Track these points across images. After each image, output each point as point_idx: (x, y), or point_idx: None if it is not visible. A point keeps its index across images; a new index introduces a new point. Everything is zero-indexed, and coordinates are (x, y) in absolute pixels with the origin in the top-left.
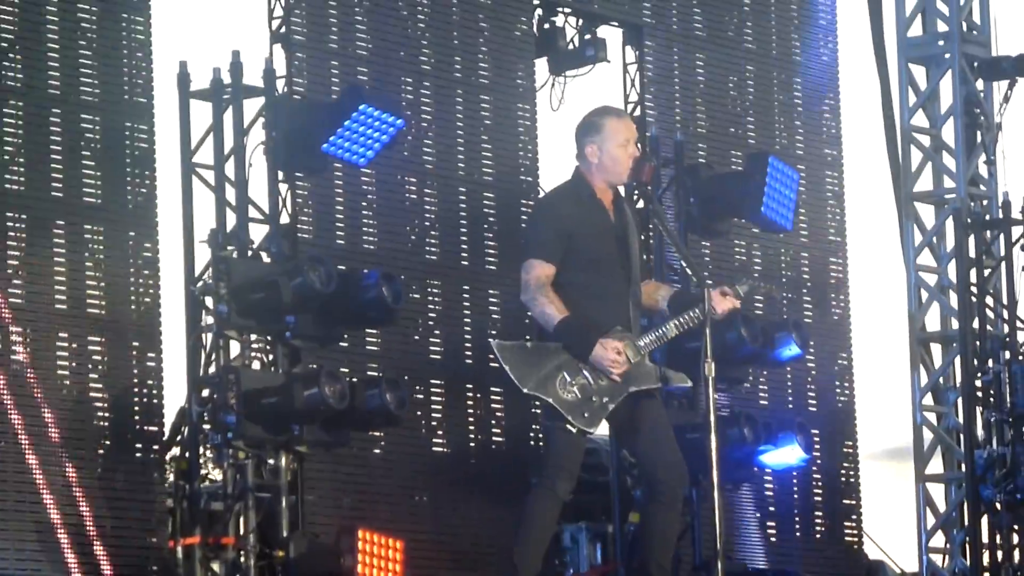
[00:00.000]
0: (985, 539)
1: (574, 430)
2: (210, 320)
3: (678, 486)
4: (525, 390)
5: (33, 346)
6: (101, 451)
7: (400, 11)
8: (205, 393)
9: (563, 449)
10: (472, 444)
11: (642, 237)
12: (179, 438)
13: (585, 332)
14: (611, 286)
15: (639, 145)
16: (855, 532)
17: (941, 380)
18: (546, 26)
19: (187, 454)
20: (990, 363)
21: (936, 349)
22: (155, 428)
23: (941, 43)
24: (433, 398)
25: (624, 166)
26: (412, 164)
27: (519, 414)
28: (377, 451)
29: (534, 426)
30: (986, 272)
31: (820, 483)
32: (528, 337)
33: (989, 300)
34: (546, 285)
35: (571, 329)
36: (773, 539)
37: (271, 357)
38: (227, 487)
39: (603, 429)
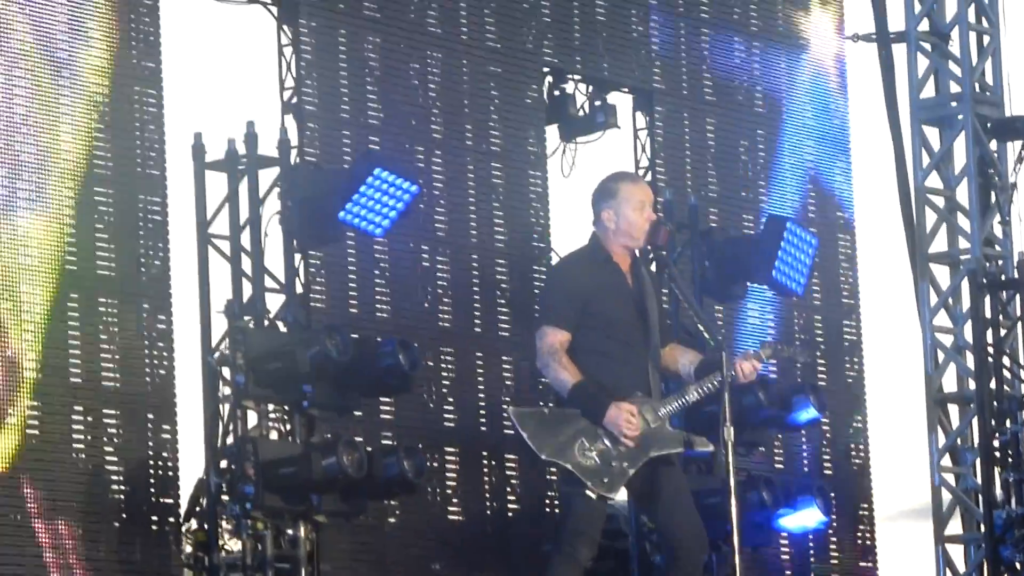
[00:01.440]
0: None
1: (594, 496)
2: (227, 390)
3: (698, 552)
4: (543, 456)
5: (48, 419)
6: (117, 524)
7: (411, 80)
8: (223, 464)
9: (583, 515)
10: (488, 512)
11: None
12: (197, 509)
13: (598, 396)
14: (630, 351)
15: (656, 208)
16: None
17: (959, 441)
18: (556, 93)
19: (206, 525)
20: (1007, 423)
21: (953, 410)
22: (171, 500)
23: (954, 104)
24: (448, 466)
25: (641, 230)
26: (424, 232)
27: (534, 481)
28: (392, 520)
29: (549, 493)
30: (1002, 332)
31: (837, 546)
32: (544, 403)
33: (1006, 360)
34: (560, 351)
35: (585, 393)
36: None
37: (288, 427)
38: (246, 558)
39: (621, 494)
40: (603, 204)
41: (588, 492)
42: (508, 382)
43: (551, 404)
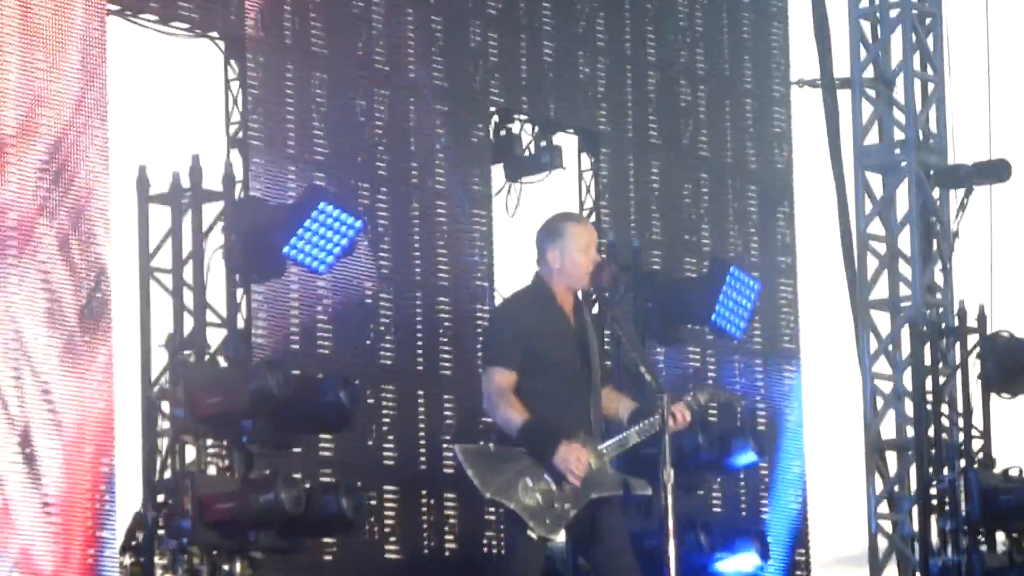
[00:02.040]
0: None
1: (535, 536)
2: (166, 425)
3: None
4: (487, 495)
5: None
6: (53, 557)
7: (358, 116)
8: (161, 498)
9: (524, 556)
10: (425, 551)
11: (603, 343)
12: (133, 543)
13: (548, 434)
14: (572, 392)
15: (600, 250)
16: None
17: (896, 488)
18: (502, 133)
19: (142, 559)
20: (945, 471)
21: (891, 456)
22: (108, 533)
23: (898, 151)
24: (387, 504)
25: (585, 271)
26: (368, 269)
27: (473, 521)
28: (329, 557)
29: (488, 533)
30: (941, 380)
31: None
32: (487, 442)
33: (944, 408)
34: (507, 391)
35: (534, 432)
36: None
37: (227, 462)
38: None
39: (560, 535)
40: (548, 244)
41: (529, 532)
42: (449, 420)
43: (493, 443)
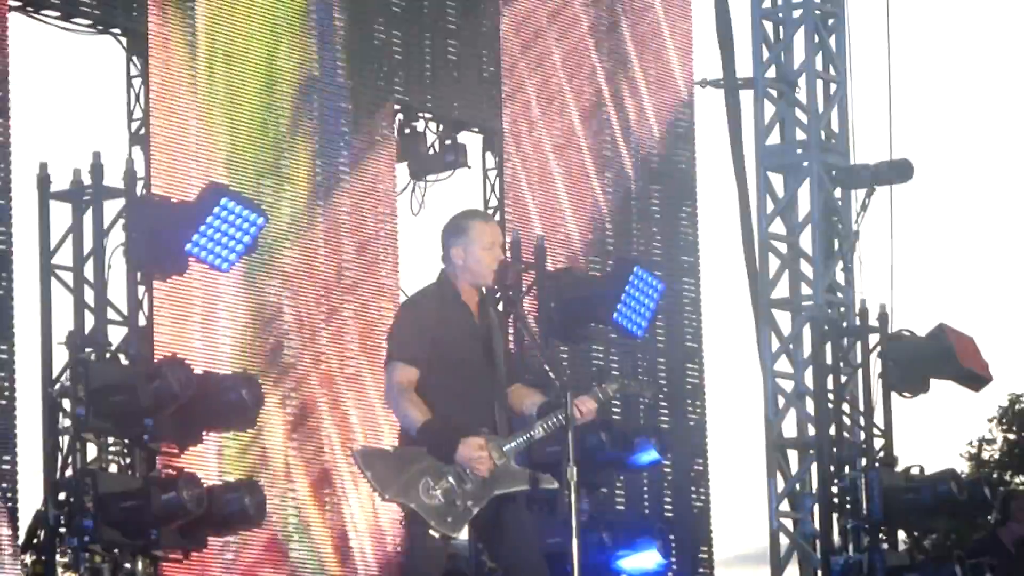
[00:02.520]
0: None
1: (437, 535)
2: (67, 423)
3: None
4: (387, 496)
5: None
6: None
7: (260, 113)
8: (62, 496)
9: (426, 555)
10: (329, 549)
11: (508, 340)
12: (35, 541)
13: (448, 433)
14: (476, 389)
15: (505, 248)
16: None
17: (798, 486)
18: (407, 131)
19: (43, 558)
20: (847, 470)
21: (793, 455)
22: (8, 531)
23: (800, 151)
24: (290, 502)
25: (489, 268)
26: (271, 266)
27: (378, 519)
28: (230, 556)
29: (391, 532)
30: (843, 379)
31: None
32: (390, 443)
33: (846, 407)
34: (408, 388)
35: (434, 431)
36: None
37: (128, 460)
38: None
39: (463, 533)
40: (453, 241)
41: (431, 531)
42: (352, 420)
43: (395, 444)
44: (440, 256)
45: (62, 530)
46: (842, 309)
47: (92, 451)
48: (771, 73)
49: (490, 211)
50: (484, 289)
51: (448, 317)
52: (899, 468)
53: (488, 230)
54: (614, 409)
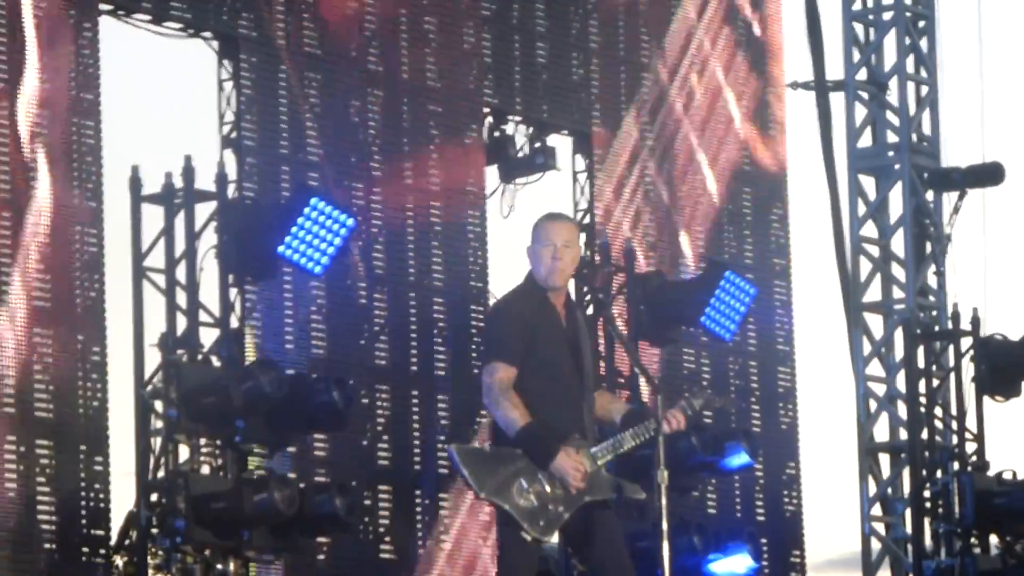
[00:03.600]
0: None
1: (529, 538)
2: (159, 424)
3: None
4: (482, 495)
5: None
6: (47, 555)
7: (351, 117)
8: (154, 497)
9: (517, 557)
10: (420, 550)
11: (595, 343)
12: (127, 542)
13: (547, 440)
14: (566, 392)
15: (596, 253)
16: None
17: (889, 490)
18: (497, 134)
19: (135, 559)
20: (939, 474)
21: (884, 459)
22: (102, 532)
23: (891, 154)
24: (381, 504)
25: (546, 267)
26: (362, 269)
27: (467, 520)
28: (322, 557)
29: (483, 533)
30: (935, 383)
31: None
32: (482, 443)
33: (938, 411)
34: (509, 388)
35: (533, 436)
36: None
37: (220, 461)
38: None
39: (553, 537)
40: (531, 243)
41: (524, 534)
42: (443, 421)
43: (489, 443)
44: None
45: (154, 531)
46: (934, 313)
47: (184, 452)
48: (862, 75)
49: (579, 214)
50: (572, 294)
51: (539, 318)
52: (991, 472)
53: (552, 229)
54: (704, 413)
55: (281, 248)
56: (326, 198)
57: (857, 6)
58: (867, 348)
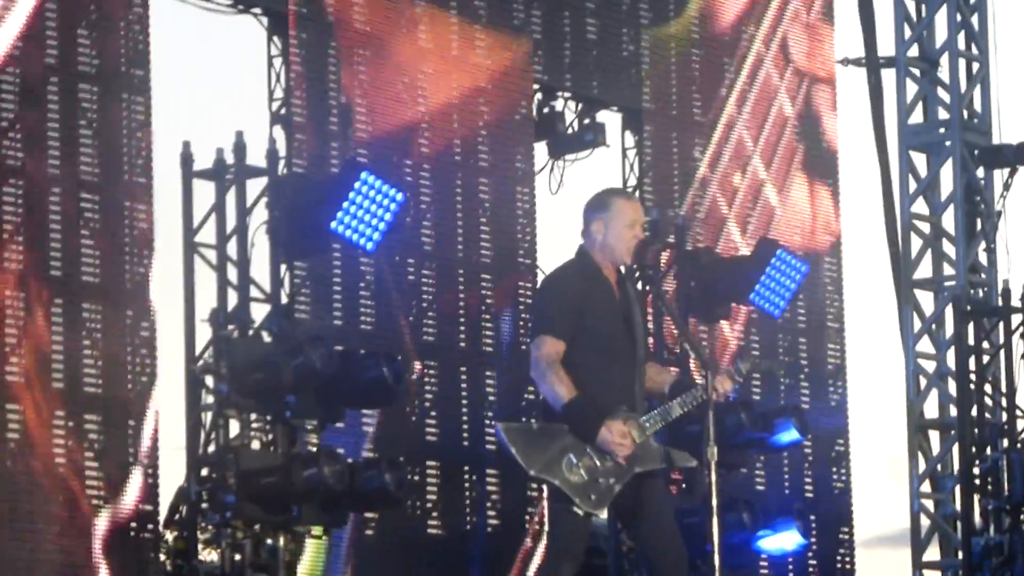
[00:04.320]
0: None
1: (581, 513)
2: (210, 399)
3: (677, 572)
4: (532, 472)
5: (30, 424)
6: (96, 531)
7: (400, 94)
8: (204, 472)
9: (569, 533)
10: (467, 527)
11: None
12: (177, 517)
13: (591, 414)
14: (617, 365)
15: (644, 228)
16: None
17: (939, 467)
18: (546, 110)
19: (185, 534)
20: (988, 451)
21: (934, 436)
22: (151, 507)
23: (942, 130)
24: (429, 479)
25: (628, 247)
26: (411, 246)
27: (515, 497)
28: (370, 532)
29: (530, 509)
30: (985, 360)
31: (816, 569)
32: (530, 419)
33: (988, 388)
34: (556, 362)
35: (577, 411)
36: None
37: (270, 437)
38: (224, 567)
39: (604, 512)
40: (595, 217)
41: (575, 509)
42: (491, 397)
43: (535, 420)
44: (580, 231)
45: (204, 506)
46: (985, 289)
47: (234, 428)
48: (913, 52)
49: (629, 190)
50: (623, 268)
51: (591, 292)
52: None
53: (630, 208)
54: (754, 389)
55: (334, 224)
56: (376, 173)
57: None
58: (917, 325)
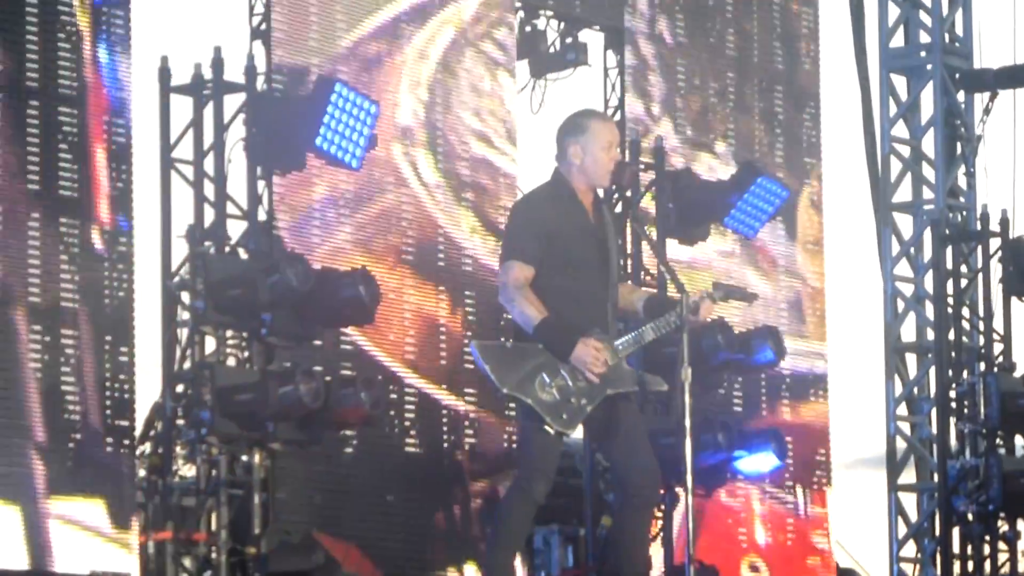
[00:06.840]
0: (956, 550)
1: (552, 432)
2: (186, 316)
3: (652, 491)
4: (504, 390)
5: (4, 338)
6: (71, 445)
7: (381, 10)
8: (179, 389)
9: (540, 451)
10: (444, 445)
11: (620, 240)
12: (152, 433)
13: (565, 332)
14: (589, 289)
15: (621, 150)
16: (825, 542)
17: (915, 390)
18: (528, 28)
19: (160, 449)
20: (965, 374)
21: (911, 359)
22: (126, 423)
23: (923, 54)
24: (407, 398)
25: (605, 169)
26: (389, 163)
27: (492, 416)
28: (349, 450)
29: (508, 429)
30: (963, 284)
31: (792, 491)
32: (506, 338)
33: (965, 312)
34: (525, 286)
35: (551, 329)
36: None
37: (246, 354)
38: (200, 483)
39: (577, 432)
40: (570, 139)
41: (547, 428)
42: (470, 317)
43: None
44: (555, 155)
45: (179, 422)
46: (964, 213)
47: (210, 344)
48: None
49: (610, 111)
50: (600, 190)
51: (563, 215)
52: (1018, 373)
53: (607, 130)
54: (733, 310)
55: (318, 140)
56: (347, 85)
57: None
58: (896, 248)
